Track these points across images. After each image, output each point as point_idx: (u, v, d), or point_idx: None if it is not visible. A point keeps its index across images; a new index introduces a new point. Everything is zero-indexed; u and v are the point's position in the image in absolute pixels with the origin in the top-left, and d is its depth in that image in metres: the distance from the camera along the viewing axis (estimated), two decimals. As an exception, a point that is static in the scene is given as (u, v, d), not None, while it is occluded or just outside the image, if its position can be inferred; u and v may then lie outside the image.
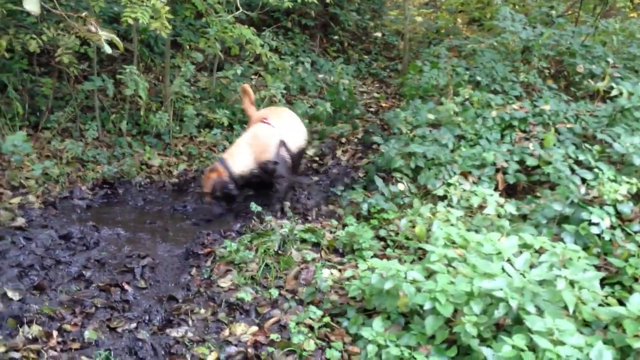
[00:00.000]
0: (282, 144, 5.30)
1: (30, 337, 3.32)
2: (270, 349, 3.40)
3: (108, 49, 4.22)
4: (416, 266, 3.63)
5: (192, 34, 7.62)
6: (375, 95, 8.83)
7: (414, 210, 4.70)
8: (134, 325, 3.57)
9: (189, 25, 7.83)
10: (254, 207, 4.88)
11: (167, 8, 4.82)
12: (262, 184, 5.35)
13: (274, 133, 5.31)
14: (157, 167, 6.25)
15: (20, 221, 4.79)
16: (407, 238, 4.49)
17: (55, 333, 3.38)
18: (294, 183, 5.55)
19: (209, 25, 6.61)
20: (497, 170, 5.23)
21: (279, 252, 4.37)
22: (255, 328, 3.62)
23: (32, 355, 3.19)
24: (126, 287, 3.99)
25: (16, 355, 3.17)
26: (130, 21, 4.72)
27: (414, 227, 4.48)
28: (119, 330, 3.51)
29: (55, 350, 3.26)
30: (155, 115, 6.40)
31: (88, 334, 3.40)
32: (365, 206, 5.00)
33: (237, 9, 6.28)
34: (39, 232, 4.63)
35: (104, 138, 6.66)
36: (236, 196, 5.27)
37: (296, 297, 3.92)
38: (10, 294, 3.70)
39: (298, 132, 5.55)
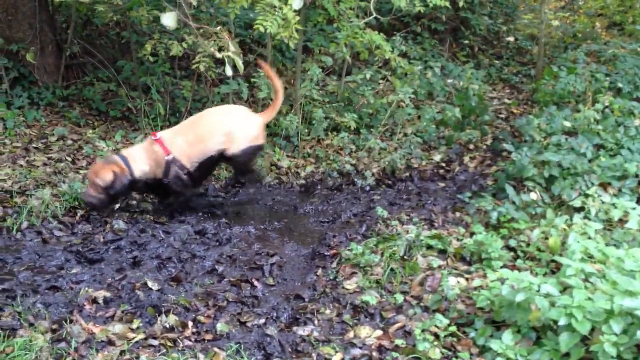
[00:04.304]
0: (173, 162, 4.98)
1: (167, 326, 3.50)
2: (395, 355, 3.38)
3: (229, 72, 4.48)
4: (550, 280, 3.48)
5: (323, 39, 7.74)
6: (507, 101, 8.57)
7: (547, 221, 4.51)
8: (262, 321, 3.67)
9: (321, 30, 7.97)
10: (380, 211, 4.88)
11: (298, 18, 4.93)
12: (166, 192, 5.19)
13: (162, 152, 4.97)
14: (286, 169, 6.40)
15: (162, 217, 5.08)
16: (539, 250, 4.31)
17: (190, 324, 3.54)
18: (193, 195, 5.31)
19: (340, 30, 6.69)
20: (640, 183, 4.92)
21: (405, 257, 4.34)
22: (380, 332, 3.61)
23: (169, 343, 3.36)
24: (256, 283, 4.12)
25: (155, 342, 3.35)
26: (262, 29, 4.88)
27: (547, 238, 4.30)
28: (249, 325, 3.63)
29: (190, 340, 3.42)
30: (286, 118, 6.56)
31: (220, 326, 3.54)
32: (494, 215, 4.85)
33: (370, 14, 6.31)
34: (177, 227, 4.88)
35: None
36: (119, 201, 5.10)
37: (422, 304, 3.88)
38: (150, 284, 3.93)
39: (200, 147, 5.05)
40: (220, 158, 5.19)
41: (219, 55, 4.83)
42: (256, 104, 7.07)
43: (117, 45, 7.72)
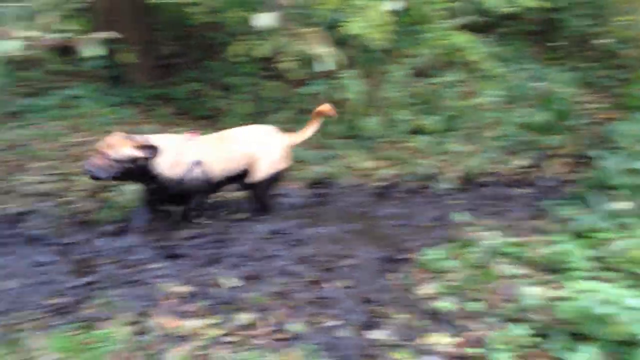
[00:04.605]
0: (199, 164, 4.71)
1: (243, 323, 3.59)
2: (467, 363, 3.34)
3: (324, 67, 4.47)
4: (635, 292, 3.34)
5: (409, 41, 7.67)
6: (595, 105, 8.24)
7: (634, 231, 4.32)
8: (335, 322, 3.69)
9: (407, 32, 7.90)
10: (458, 216, 4.81)
11: (390, 19, 4.89)
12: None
13: (191, 150, 4.71)
14: (364, 170, 6.40)
15: (240, 214, 5.19)
16: (625, 261, 4.14)
17: (265, 322, 3.61)
18: (204, 204, 4.99)
19: (426, 32, 6.61)
20: None
21: (482, 264, 4.26)
22: (453, 339, 3.56)
23: (244, 340, 3.44)
24: (329, 284, 4.14)
25: (230, 339, 3.45)
26: (352, 30, 4.89)
27: (634, 249, 4.12)
28: (322, 326, 3.66)
29: (265, 339, 3.48)
30: (366, 120, 6.56)
31: (294, 326, 3.59)
32: (577, 223, 4.69)
33: (457, 15, 6.22)
34: (254, 225, 4.98)
35: (315, 140, 6.97)
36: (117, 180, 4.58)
37: (497, 312, 3.79)
38: (227, 281, 4.03)
39: (228, 165, 4.85)
40: (242, 176, 5.00)
41: (311, 53, 4.84)
42: (336, 104, 7.10)
43: (205, 45, 7.93)
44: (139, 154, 4.44)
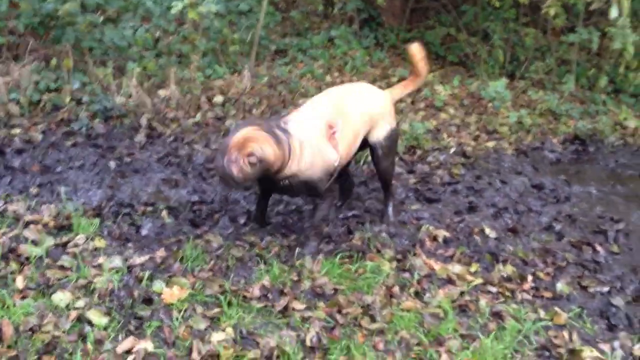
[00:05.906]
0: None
1: (504, 275, 3.49)
2: None
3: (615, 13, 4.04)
4: None
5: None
6: None
7: None
8: (606, 289, 3.46)
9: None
10: None
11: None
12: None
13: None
14: (633, 129, 5.86)
15: (494, 166, 5.04)
16: None
17: (529, 277, 3.48)
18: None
19: None
20: None
21: None
22: None
23: (506, 292, 3.35)
24: (598, 248, 3.88)
25: (492, 289, 3.37)
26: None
27: None
28: (591, 290, 3.45)
29: (528, 294, 3.36)
30: (637, 74, 5.97)
31: (560, 286, 3.42)
32: None
33: None
34: (512, 177, 4.81)
35: (576, 93, 6.51)
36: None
37: None
38: (487, 231, 3.94)
39: (354, 139, 3.69)
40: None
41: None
42: (599, 56, 6.54)
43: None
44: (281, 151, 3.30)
